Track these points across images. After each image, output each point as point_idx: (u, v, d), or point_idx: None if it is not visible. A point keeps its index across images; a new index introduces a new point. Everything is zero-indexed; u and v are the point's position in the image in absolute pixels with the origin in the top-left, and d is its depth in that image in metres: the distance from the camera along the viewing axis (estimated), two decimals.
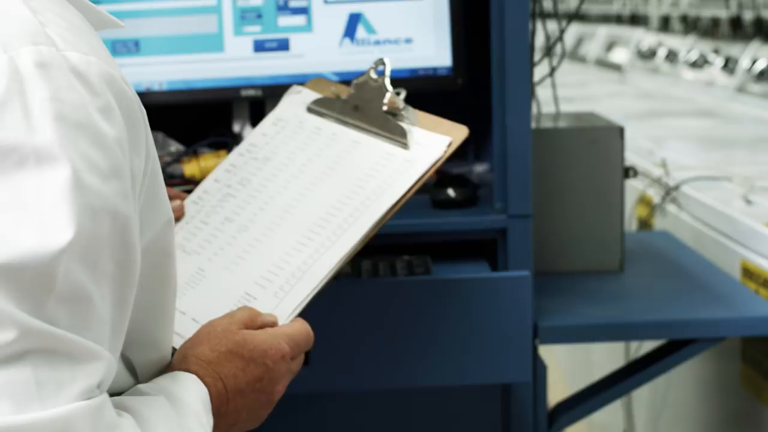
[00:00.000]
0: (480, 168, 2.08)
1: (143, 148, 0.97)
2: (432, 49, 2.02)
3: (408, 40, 2.02)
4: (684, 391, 2.59)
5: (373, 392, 1.86)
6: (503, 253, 1.82)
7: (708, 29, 4.53)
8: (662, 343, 1.96)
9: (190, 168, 1.95)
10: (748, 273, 2.16)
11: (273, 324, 1.27)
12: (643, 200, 2.74)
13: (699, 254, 2.25)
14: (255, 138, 1.59)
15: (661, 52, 4.68)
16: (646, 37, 4.96)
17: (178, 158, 1.98)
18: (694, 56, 4.31)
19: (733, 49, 4.06)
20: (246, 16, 2.01)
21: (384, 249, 1.85)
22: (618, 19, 5.74)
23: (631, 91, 4.66)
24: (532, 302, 1.74)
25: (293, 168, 1.50)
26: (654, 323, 1.89)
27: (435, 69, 2.03)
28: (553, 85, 2.33)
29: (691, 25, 4.69)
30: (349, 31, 2.02)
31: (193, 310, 1.36)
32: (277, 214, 1.44)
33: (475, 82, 2.00)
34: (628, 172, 2.17)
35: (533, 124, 2.21)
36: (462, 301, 1.68)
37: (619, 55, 5.21)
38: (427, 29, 2.02)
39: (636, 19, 5.57)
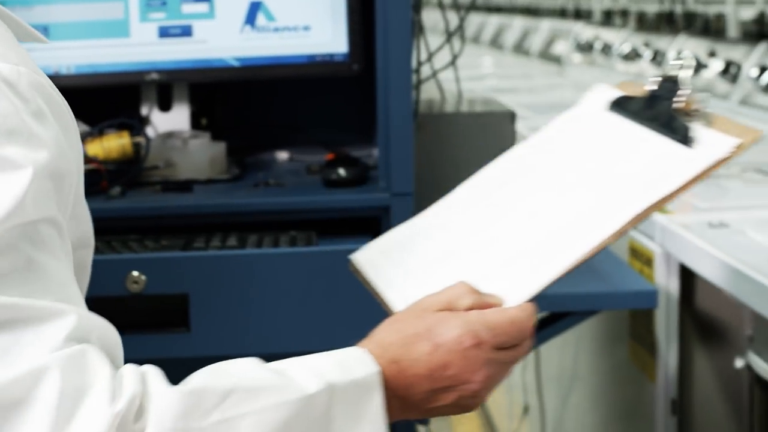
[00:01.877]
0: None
1: (75, 149, 1.04)
2: (329, 36, 2.12)
3: (306, 27, 2.12)
4: (588, 368, 2.70)
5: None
6: (386, 230, 1.91)
7: (651, 23, 4.63)
8: (543, 315, 2.06)
9: (93, 148, 2.04)
10: (635, 252, 2.27)
11: (495, 305, 1.18)
12: None
13: None
14: (548, 131, 1.54)
15: (597, 45, 4.79)
16: (585, 31, 5.07)
17: (83, 138, 2.07)
18: (626, 49, 4.42)
19: (662, 42, 4.17)
20: (151, 3, 2.11)
21: (276, 225, 1.96)
22: (562, 13, 5.84)
23: (568, 83, 4.77)
24: None
25: (575, 160, 1.45)
26: (535, 297, 1.99)
27: (332, 55, 2.12)
28: (455, 71, 2.42)
29: (634, 20, 4.79)
30: (250, 18, 2.11)
31: (437, 288, 1.27)
32: (544, 201, 1.39)
33: (371, 67, 2.10)
34: None
35: (436, 109, 2.31)
36: (337, 272, 1.77)
37: (560, 49, 5.32)
38: (325, 17, 2.11)
39: (580, 14, 5.67)
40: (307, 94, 2.37)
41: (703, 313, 2.08)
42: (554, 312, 2.02)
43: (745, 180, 2.46)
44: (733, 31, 3.90)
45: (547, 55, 5.46)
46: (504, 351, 1.15)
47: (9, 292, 0.91)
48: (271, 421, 0.99)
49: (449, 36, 2.33)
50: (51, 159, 0.96)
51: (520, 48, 5.89)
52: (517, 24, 6.12)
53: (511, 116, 2.21)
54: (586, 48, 4.95)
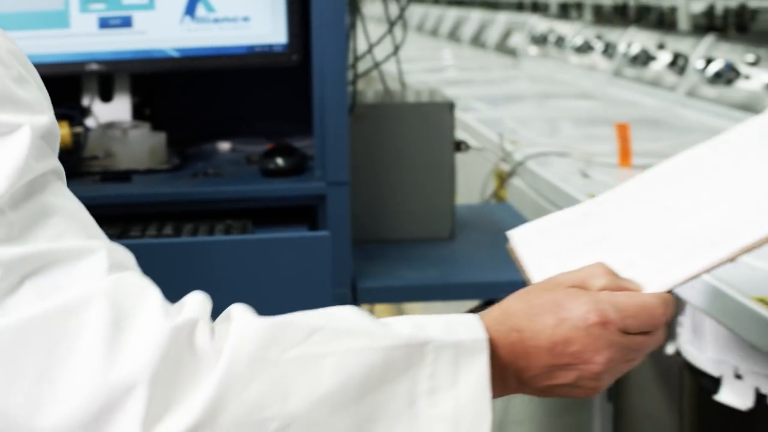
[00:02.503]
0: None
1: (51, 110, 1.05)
2: (268, 27, 2.14)
3: (245, 18, 2.13)
4: None
5: None
6: (323, 218, 1.94)
7: (607, 16, 4.67)
8: (479, 303, 2.09)
9: None
10: None
11: (631, 290, 1.14)
12: (497, 174, 2.88)
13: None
14: (731, 134, 1.47)
15: (552, 38, 4.82)
16: (540, 24, 5.10)
17: None
18: (579, 42, 4.45)
19: (613, 34, 4.21)
20: None
21: (214, 215, 1.98)
22: (520, 6, 5.88)
23: (523, 75, 4.81)
24: (350, 263, 1.88)
25: (749, 163, 1.40)
26: (469, 284, 2.02)
27: (271, 46, 2.14)
28: (398, 62, 2.44)
29: (590, 12, 4.83)
30: (190, 10, 2.13)
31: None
32: (707, 200, 1.35)
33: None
34: (460, 146, 2.29)
35: (378, 99, 2.34)
36: (271, 260, 1.79)
37: (515, 41, 5.35)
38: (264, 8, 2.13)
39: (537, 6, 5.71)
40: (251, 85, 2.39)
41: None
42: (489, 300, 2.05)
43: None
44: (683, 23, 3.94)
45: (503, 48, 5.50)
46: (631, 336, 1.10)
47: (36, 240, 0.92)
48: (354, 365, 0.97)
49: (391, 26, 2.35)
50: (40, 120, 0.98)
51: (477, 41, 5.92)
52: (474, 17, 6.15)
53: (450, 106, 2.23)
54: (540, 41, 4.99)
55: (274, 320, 0.97)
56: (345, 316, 1.01)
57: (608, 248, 1.28)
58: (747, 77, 3.12)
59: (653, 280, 1.16)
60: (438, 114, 2.24)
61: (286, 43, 2.13)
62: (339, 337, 0.98)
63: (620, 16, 4.58)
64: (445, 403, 1.00)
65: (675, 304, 1.14)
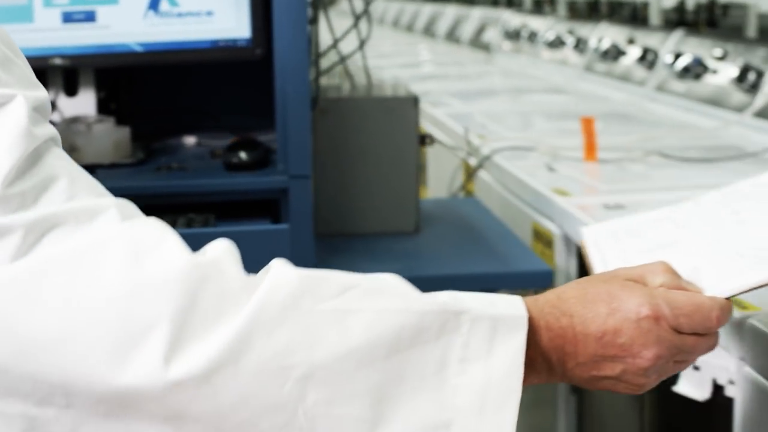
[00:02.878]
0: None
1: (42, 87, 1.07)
2: (232, 21, 2.14)
3: (209, 13, 2.13)
4: None
5: None
6: (285, 212, 1.95)
7: (581, 11, 4.69)
8: None
9: None
10: (538, 234, 2.31)
11: (689, 291, 1.13)
12: (465, 168, 2.89)
13: (495, 217, 2.40)
14: None
15: (524, 33, 4.84)
16: (513, 19, 5.12)
17: None
18: (551, 37, 4.47)
19: (585, 29, 4.23)
20: None
21: (178, 208, 1.98)
22: (494, 2, 5.89)
23: (496, 70, 4.82)
24: (313, 256, 1.88)
25: None
26: (433, 278, 2.03)
27: (235, 40, 2.14)
28: (364, 57, 2.45)
29: (563, 7, 4.85)
30: (153, 4, 2.13)
31: None
32: None
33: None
34: (425, 140, 2.30)
35: (343, 94, 2.35)
36: None
37: (489, 36, 5.36)
38: (228, 2, 2.13)
39: (512, 1, 5.73)
40: (217, 79, 2.39)
41: None
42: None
43: (648, 163, 2.51)
44: (655, 18, 3.96)
45: (477, 43, 5.51)
46: (683, 336, 1.08)
47: (51, 203, 0.93)
48: (386, 325, 0.96)
49: (356, 20, 2.36)
50: (31, 94, 0.99)
51: (452, 36, 5.93)
52: (450, 12, 6.16)
53: (414, 101, 2.24)
54: (514, 36, 5.00)
55: (312, 273, 0.97)
56: (383, 278, 1.01)
57: (675, 252, 1.28)
58: (714, 72, 3.14)
59: (715, 286, 1.16)
60: (402, 108, 2.25)
61: (249, 38, 2.14)
62: (374, 296, 0.98)
63: (593, 11, 4.60)
64: (475, 373, 0.99)
65: (731, 312, 1.12)
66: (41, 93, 1.02)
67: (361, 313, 0.96)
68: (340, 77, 2.59)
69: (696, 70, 3.22)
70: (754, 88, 2.89)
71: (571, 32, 4.34)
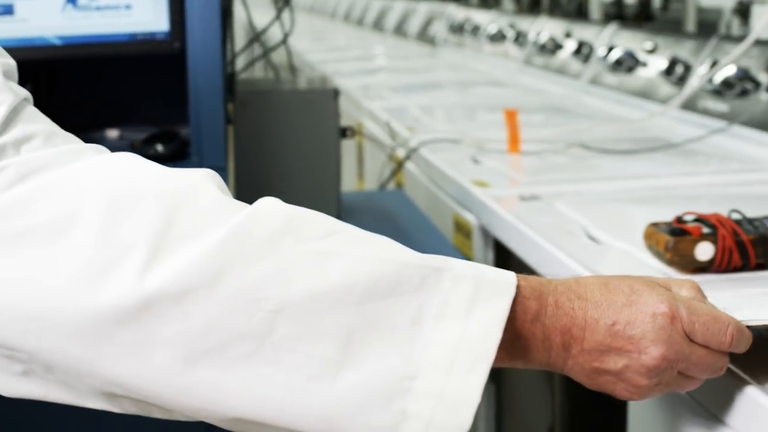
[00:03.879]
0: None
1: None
2: (150, 14, 2.15)
3: (127, 6, 2.15)
4: None
5: None
6: None
7: (527, 5, 4.72)
8: None
9: None
10: (458, 226, 2.34)
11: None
12: (394, 160, 2.91)
13: (417, 209, 2.43)
14: None
15: (468, 27, 4.87)
16: (457, 13, 5.15)
17: None
18: (493, 30, 4.50)
19: (525, 23, 4.26)
20: None
21: None
22: None
23: (441, 64, 4.85)
24: None
25: None
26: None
27: (153, 34, 2.16)
28: (288, 52, 2.47)
29: (509, 2, 4.88)
30: None
31: None
32: None
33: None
34: (345, 132, 2.32)
35: (264, 86, 2.37)
36: None
37: (434, 30, 5.39)
38: None
39: None
40: (139, 72, 2.40)
41: None
42: None
43: (569, 155, 2.54)
44: (595, 12, 3.99)
45: (423, 37, 5.54)
46: (694, 345, 1.05)
47: (32, 151, 0.99)
48: (364, 270, 0.95)
49: (279, 12, 2.38)
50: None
51: (399, 30, 5.96)
52: (398, 6, 6.19)
53: (334, 93, 2.26)
54: (458, 30, 5.03)
55: (301, 211, 0.97)
56: (374, 234, 1.00)
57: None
58: (645, 65, 3.18)
59: (742, 312, 1.13)
60: (322, 101, 2.27)
61: (167, 31, 2.15)
62: (358, 242, 0.97)
63: (536, 5, 4.63)
64: (450, 331, 0.97)
65: (748, 341, 1.09)
66: (9, 60, 1.05)
67: (341, 257, 0.95)
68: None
69: (628, 63, 3.26)
70: (681, 80, 2.93)
71: (512, 26, 4.37)
